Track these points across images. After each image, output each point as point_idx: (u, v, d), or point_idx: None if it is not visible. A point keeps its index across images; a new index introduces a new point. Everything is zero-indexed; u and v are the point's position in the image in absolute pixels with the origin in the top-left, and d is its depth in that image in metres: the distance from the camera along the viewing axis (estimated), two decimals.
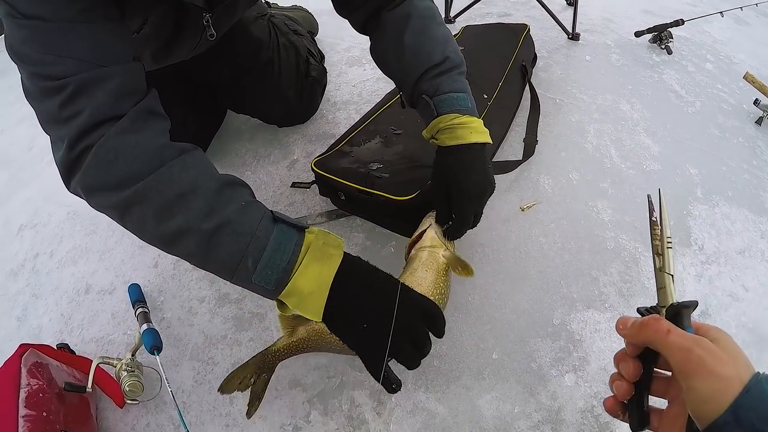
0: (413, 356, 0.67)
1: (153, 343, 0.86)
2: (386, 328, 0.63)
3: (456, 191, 0.83)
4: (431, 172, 0.89)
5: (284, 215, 0.68)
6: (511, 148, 1.21)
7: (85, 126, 0.62)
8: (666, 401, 0.48)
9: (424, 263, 0.81)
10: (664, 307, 0.48)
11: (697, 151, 1.28)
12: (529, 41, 1.41)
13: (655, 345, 0.44)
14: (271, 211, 0.67)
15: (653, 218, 0.52)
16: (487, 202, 0.88)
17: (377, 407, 0.85)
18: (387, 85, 1.39)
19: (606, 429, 0.85)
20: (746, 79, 1.44)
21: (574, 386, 0.88)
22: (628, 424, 0.49)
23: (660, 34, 1.60)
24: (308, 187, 1.15)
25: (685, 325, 0.45)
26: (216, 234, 0.62)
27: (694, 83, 1.51)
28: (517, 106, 1.30)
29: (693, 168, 1.24)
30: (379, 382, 0.66)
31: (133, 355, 0.85)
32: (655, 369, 0.48)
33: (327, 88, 1.41)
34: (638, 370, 0.47)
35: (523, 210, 1.08)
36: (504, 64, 1.31)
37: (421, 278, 0.79)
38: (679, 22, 1.60)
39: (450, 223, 0.86)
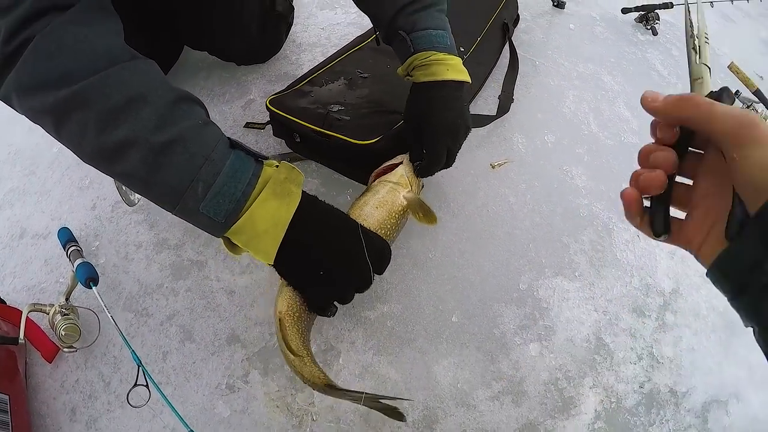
0: (351, 297, 0.65)
1: (87, 274, 0.76)
2: (343, 276, 0.62)
3: (427, 126, 0.78)
4: (403, 113, 0.84)
5: (243, 143, 0.59)
6: (486, 103, 1.13)
7: (26, 14, 0.51)
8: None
9: (378, 199, 0.74)
10: None
11: None
12: (513, 0, 1.32)
13: (695, 120, 0.35)
14: (229, 138, 0.59)
15: (689, 19, 0.47)
16: (457, 154, 0.83)
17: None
18: (358, 30, 1.28)
19: (570, 404, 0.78)
20: (730, 69, 1.40)
21: (539, 356, 0.80)
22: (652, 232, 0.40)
23: (647, 14, 1.55)
24: (263, 128, 1.04)
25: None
26: (166, 150, 0.53)
27: (677, 66, 1.47)
28: (495, 63, 1.21)
29: None
30: (326, 316, 0.67)
31: (67, 299, 0.77)
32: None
33: (294, 29, 1.28)
34: (675, 159, 0.38)
35: (493, 167, 0.99)
36: (485, 19, 1.21)
37: (369, 214, 0.72)
38: (668, 5, 1.55)
39: (421, 161, 0.80)
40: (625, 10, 1.57)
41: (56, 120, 0.54)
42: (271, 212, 0.56)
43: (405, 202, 0.75)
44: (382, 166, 0.81)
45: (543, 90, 1.20)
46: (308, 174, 0.97)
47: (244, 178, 0.56)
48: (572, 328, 0.83)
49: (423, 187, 0.84)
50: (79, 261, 0.79)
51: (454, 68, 0.78)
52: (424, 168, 0.79)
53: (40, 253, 0.91)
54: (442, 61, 0.78)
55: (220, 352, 0.78)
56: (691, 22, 0.48)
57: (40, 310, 0.76)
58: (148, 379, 0.66)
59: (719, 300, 0.95)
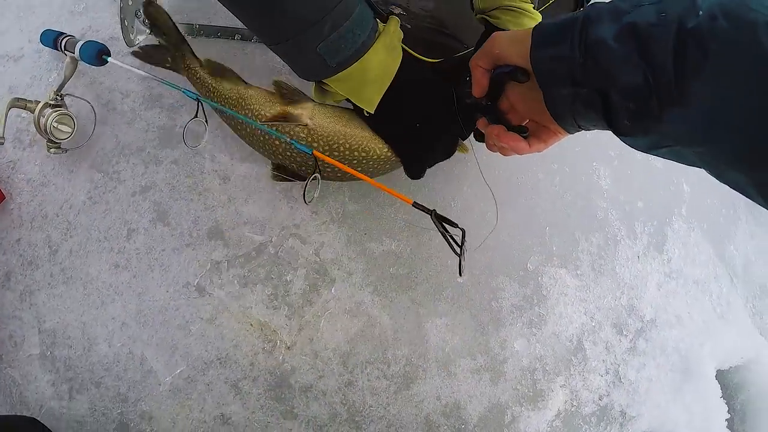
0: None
1: (97, 47, 0.64)
2: (437, 131, 0.63)
3: None
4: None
5: None
6: None
7: None
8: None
9: None
10: None
11: (697, 173, 1.20)
12: None
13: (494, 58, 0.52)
14: None
15: None
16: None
17: (311, 293, 0.67)
18: None
19: (539, 396, 0.76)
20: None
21: (525, 342, 0.76)
22: None
23: None
24: None
25: None
26: None
27: None
28: None
29: (687, 185, 1.15)
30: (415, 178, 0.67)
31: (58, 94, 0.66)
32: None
33: None
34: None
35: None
36: None
37: None
38: None
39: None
40: None
41: None
42: (381, 63, 0.56)
43: None
44: None
45: None
46: None
47: (367, 27, 0.54)
48: (561, 324, 0.80)
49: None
50: (80, 43, 0.65)
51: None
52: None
53: (6, 79, 0.76)
54: (532, 15, 0.68)
55: (197, 245, 0.67)
56: None
57: (24, 107, 0.63)
58: None
59: (684, 344, 0.96)
